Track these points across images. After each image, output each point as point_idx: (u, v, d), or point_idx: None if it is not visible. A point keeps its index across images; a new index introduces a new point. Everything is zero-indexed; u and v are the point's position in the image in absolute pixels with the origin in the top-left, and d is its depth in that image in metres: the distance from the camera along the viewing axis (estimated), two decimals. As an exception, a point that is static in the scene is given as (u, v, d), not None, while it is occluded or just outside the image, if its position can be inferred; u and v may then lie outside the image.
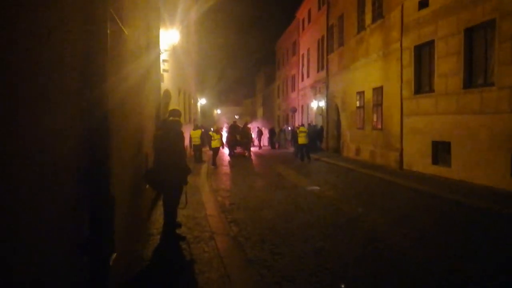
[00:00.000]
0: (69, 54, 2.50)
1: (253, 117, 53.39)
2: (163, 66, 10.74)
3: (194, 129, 18.49)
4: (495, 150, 9.37)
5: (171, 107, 10.16)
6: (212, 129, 20.87)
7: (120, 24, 3.95)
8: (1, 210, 1.56)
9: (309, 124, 25.62)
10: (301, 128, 18.93)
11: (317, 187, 10.72)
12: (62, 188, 2.35)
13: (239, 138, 22.56)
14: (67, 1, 2.49)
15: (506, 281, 4.33)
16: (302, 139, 18.32)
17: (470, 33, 10.43)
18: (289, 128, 29.59)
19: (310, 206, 8.29)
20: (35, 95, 1.94)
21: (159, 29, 9.39)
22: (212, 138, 17.42)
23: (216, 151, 17.16)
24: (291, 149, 24.79)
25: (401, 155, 13.77)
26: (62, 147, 2.39)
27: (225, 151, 23.51)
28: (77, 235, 2.67)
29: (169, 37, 11.09)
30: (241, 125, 24.53)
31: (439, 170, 11.61)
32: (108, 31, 3.13)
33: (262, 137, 32.33)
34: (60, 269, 2.31)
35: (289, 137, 28.16)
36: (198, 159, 17.14)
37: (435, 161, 11.98)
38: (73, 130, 2.61)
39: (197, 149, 17.59)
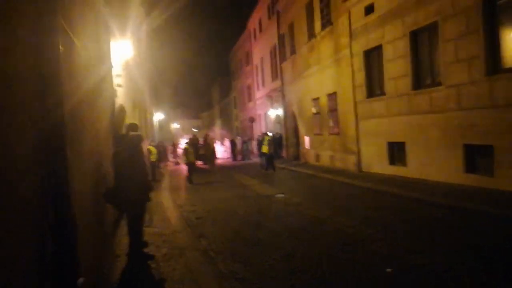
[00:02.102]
0: (19, 65, 2.34)
1: (211, 129, 53.08)
2: (116, 81, 10.43)
3: (149, 145, 17.41)
4: (447, 147, 9.82)
5: (127, 122, 9.87)
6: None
7: (71, 35, 3.77)
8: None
9: (267, 134, 25.77)
10: (266, 137, 18.33)
11: (282, 195, 10.75)
12: (20, 208, 2.17)
13: (202, 151, 22.33)
14: (16, 11, 2.33)
15: (460, 271, 4.49)
16: (264, 148, 17.86)
17: (415, 36, 10.95)
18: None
19: (277, 214, 8.28)
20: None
21: (109, 42, 9.12)
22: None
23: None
24: (255, 160, 24.35)
25: (358, 158, 14.14)
26: (18, 166, 2.21)
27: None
28: (40, 260, 2.47)
29: (122, 51, 10.81)
30: (200, 138, 24.53)
31: (396, 170, 12.01)
32: (60, 41, 2.97)
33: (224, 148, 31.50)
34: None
35: (250, 147, 28.10)
36: (153, 176, 15.53)
37: (392, 161, 12.39)
38: (26, 148, 2.42)
39: (154, 165, 16.42)
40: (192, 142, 21.25)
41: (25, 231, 2.22)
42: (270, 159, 17.67)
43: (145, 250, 5.75)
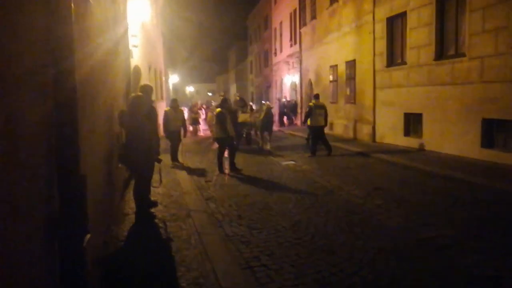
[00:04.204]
0: (28, 25, 2.30)
1: (226, 93, 52.86)
2: (132, 41, 10.34)
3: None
4: (465, 121, 9.59)
5: (141, 83, 9.86)
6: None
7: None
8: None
9: (285, 100, 25.41)
10: (316, 102, 11.89)
11: (293, 162, 10.75)
12: (30, 167, 2.20)
13: (250, 119, 14.48)
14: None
15: (473, 245, 4.47)
16: (320, 119, 11.61)
17: (442, 4, 10.47)
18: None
19: (286, 181, 8.31)
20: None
21: (126, 2, 8.98)
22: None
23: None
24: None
25: (373, 128, 13.96)
26: (29, 126, 2.22)
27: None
28: (48, 216, 2.53)
29: (138, 11, 10.66)
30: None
31: (411, 142, 11.85)
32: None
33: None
34: (31, 251, 2.18)
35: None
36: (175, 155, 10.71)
37: (407, 132, 12.20)
38: (39, 108, 2.43)
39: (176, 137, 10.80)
40: (228, 106, 10.55)
41: (33, 190, 2.26)
42: (323, 136, 11.78)
43: (154, 210, 5.87)
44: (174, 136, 10.58)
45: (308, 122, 11.71)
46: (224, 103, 9.87)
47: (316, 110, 11.55)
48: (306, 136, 13.67)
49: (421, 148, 11.30)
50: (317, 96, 12.36)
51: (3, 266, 1.78)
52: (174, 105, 10.84)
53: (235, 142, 10.06)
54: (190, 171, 9.61)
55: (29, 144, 2.22)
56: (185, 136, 10.93)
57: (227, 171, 9.28)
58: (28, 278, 2.13)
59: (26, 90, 2.21)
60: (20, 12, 2.15)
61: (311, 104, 11.95)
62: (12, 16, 2.02)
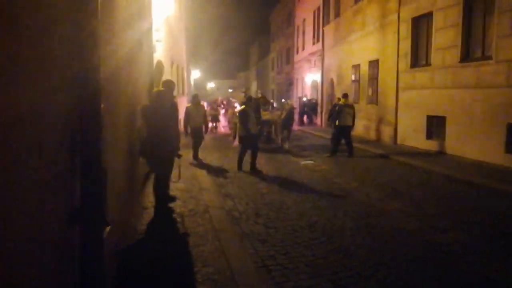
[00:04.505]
0: (56, 21, 2.35)
1: (247, 90, 52.93)
2: (155, 35, 10.46)
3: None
4: (490, 125, 9.36)
5: (163, 79, 9.96)
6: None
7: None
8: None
9: (306, 99, 25.21)
10: (345, 101, 11.73)
11: (311, 161, 10.70)
12: (54, 160, 2.26)
13: (268, 116, 14.17)
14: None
15: (488, 251, 4.37)
16: (348, 119, 11.39)
17: (469, 4, 10.22)
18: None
19: (304, 180, 8.28)
20: (18, 69, 1.81)
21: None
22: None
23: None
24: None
25: (395, 129, 13.76)
26: (54, 119, 2.28)
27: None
28: (69, 208, 2.59)
29: (163, 5, 10.76)
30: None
31: (433, 145, 11.63)
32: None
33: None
34: (52, 241, 2.24)
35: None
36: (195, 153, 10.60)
37: (429, 136, 11.99)
38: (63, 102, 2.49)
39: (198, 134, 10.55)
40: (253, 103, 10.21)
41: (56, 182, 2.32)
42: (348, 138, 11.49)
43: (172, 205, 5.95)
44: (196, 133, 10.45)
45: (336, 122, 11.41)
46: (249, 100, 9.76)
47: (345, 109, 11.35)
48: (329, 136, 13.23)
49: (443, 152, 11.09)
50: (345, 96, 12.12)
51: (26, 257, 1.84)
52: (195, 101, 10.72)
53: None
54: (209, 167, 9.68)
55: (53, 138, 2.28)
56: (206, 132, 10.78)
57: (246, 170, 9.20)
58: (49, 268, 2.19)
59: (52, 84, 2.26)
60: (48, 8, 2.20)
61: (340, 102, 11.79)
62: (40, 11, 2.07)
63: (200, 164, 9.94)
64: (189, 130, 10.33)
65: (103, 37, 3.19)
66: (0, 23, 1.59)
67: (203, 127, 10.58)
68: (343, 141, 11.57)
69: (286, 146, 13.27)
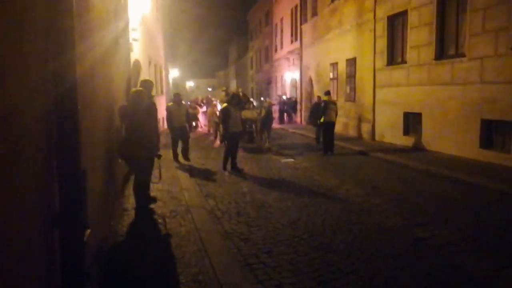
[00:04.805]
0: (29, 18, 2.29)
1: (227, 89, 52.80)
2: (132, 34, 10.30)
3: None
4: (465, 121, 9.61)
5: (141, 78, 9.83)
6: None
7: (86, -12, 3.68)
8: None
9: (285, 97, 25.33)
10: (329, 98, 12.11)
11: (292, 159, 10.76)
12: (30, 162, 2.20)
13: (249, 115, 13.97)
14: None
15: (468, 246, 4.49)
16: (333, 115, 11.62)
17: (442, 3, 10.46)
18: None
19: (286, 179, 8.32)
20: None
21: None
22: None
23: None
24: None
25: (373, 126, 13.97)
26: (29, 120, 2.22)
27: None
28: (48, 211, 2.53)
29: (139, 4, 10.61)
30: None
31: (410, 141, 11.87)
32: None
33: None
34: (30, 246, 2.19)
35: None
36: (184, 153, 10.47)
37: (406, 132, 12.22)
38: (39, 103, 2.42)
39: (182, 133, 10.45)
40: (237, 101, 9.82)
41: (33, 185, 2.26)
42: (330, 135, 11.60)
43: (153, 206, 5.88)
44: (180, 132, 10.24)
45: (322, 118, 11.60)
46: (233, 98, 9.48)
47: (330, 106, 11.62)
48: (310, 134, 13.45)
49: (420, 148, 11.33)
50: (328, 93, 12.63)
51: (4, 262, 1.79)
52: (177, 99, 10.51)
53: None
54: (190, 167, 9.62)
55: (29, 139, 2.22)
56: (191, 131, 10.55)
57: (228, 169, 9.13)
58: (29, 274, 2.14)
59: (26, 84, 2.20)
60: (21, 5, 2.14)
61: (324, 99, 12.04)
62: (13, 9, 2.01)
63: (181, 165, 9.86)
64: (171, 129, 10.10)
65: (78, 35, 3.12)
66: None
67: (187, 126, 10.41)
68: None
69: (267, 144, 13.30)
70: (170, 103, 10.73)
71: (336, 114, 11.81)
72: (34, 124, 2.34)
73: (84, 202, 3.21)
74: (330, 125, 11.57)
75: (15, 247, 1.95)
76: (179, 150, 10.55)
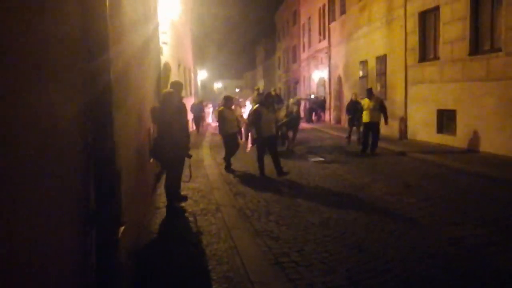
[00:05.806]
0: (65, 23, 2.37)
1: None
2: (162, 38, 10.50)
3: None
4: (501, 117, 9.25)
5: (171, 80, 9.99)
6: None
7: (118, -9, 3.78)
8: (2, 180, 1.49)
9: (312, 96, 25.19)
10: (365, 100, 11.46)
11: (321, 158, 10.66)
12: (67, 162, 2.28)
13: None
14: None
15: (506, 246, 4.32)
16: (368, 116, 11.05)
17: (477, -3, 10.12)
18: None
19: (315, 178, 8.25)
20: (30, 70, 1.82)
21: (157, -1, 9.11)
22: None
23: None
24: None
25: (405, 124, 13.66)
26: (66, 121, 2.30)
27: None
28: (84, 209, 2.62)
29: (168, 8, 10.80)
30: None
31: (444, 139, 11.53)
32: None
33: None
34: (67, 242, 2.26)
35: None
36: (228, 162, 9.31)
37: (440, 129, 11.88)
38: (75, 104, 2.51)
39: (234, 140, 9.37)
40: (271, 102, 9.04)
41: (70, 183, 2.34)
42: (374, 135, 11.08)
43: (184, 204, 5.97)
44: (232, 139, 9.17)
45: (364, 118, 11.12)
46: (266, 99, 8.76)
47: (369, 105, 11.02)
48: (339, 133, 13.15)
49: (454, 145, 10.98)
50: (370, 91, 11.62)
51: (41, 258, 1.85)
52: (229, 104, 9.31)
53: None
54: (219, 167, 9.69)
55: (66, 139, 2.29)
56: (241, 138, 9.41)
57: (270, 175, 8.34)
58: (64, 269, 2.21)
59: (63, 86, 2.28)
60: (57, 11, 2.22)
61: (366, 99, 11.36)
62: (49, 14, 2.08)
63: (211, 165, 9.95)
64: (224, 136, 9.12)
65: (111, 39, 3.21)
66: (10, 25, 1.61)
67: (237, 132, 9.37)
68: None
69: (290, 147, 12.33)
70: (221, 108, 9.47)
71: (380, 113, 11.00)
72: (71, 125, 2.42)
73: (119, 200, 3.29)
74: (368, 124, 11.05)
75: (55, 243, 2.02)
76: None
